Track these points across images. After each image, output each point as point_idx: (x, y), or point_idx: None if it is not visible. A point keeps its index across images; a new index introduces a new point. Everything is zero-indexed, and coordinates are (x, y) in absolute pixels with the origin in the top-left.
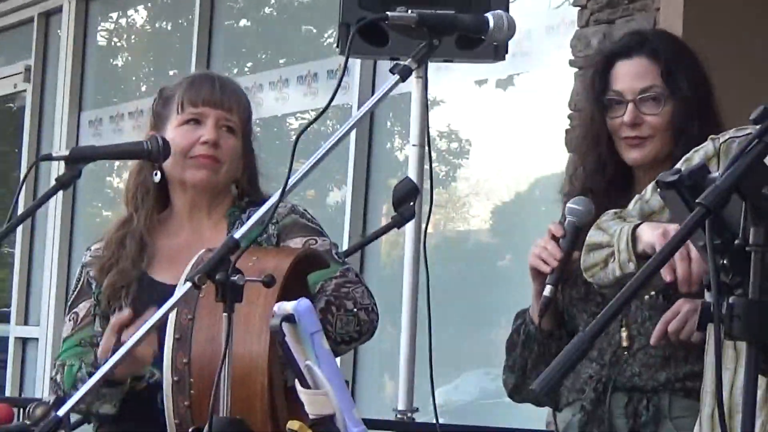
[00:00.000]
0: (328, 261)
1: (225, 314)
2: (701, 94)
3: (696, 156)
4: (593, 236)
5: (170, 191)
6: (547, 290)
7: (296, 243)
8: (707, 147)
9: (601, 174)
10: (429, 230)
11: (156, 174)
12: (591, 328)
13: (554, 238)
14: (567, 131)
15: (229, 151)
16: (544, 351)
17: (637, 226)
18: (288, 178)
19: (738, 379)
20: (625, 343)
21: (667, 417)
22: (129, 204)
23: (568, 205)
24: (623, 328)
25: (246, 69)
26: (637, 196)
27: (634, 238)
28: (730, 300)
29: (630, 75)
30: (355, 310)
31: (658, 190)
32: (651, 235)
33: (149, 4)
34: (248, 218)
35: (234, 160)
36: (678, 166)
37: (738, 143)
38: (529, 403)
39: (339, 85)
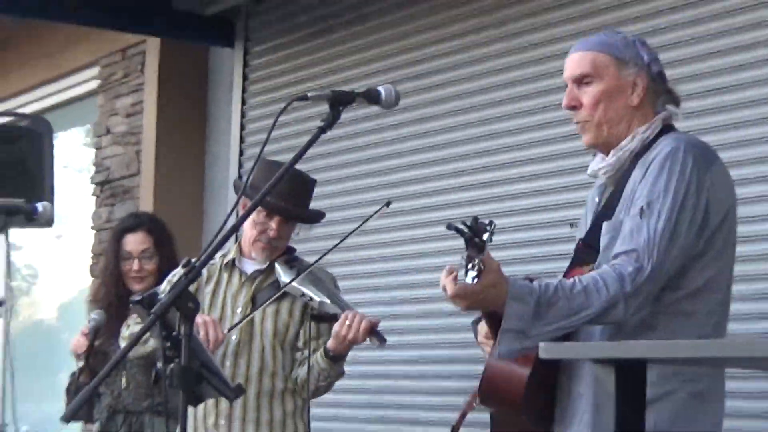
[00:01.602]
0: None
1: None
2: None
3: (173, 279)
4: (135, 328)
5: None
6: (80, 364)
7: None
8: (180, 273)
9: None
10: (19, 318)
11: None
12: (94, 382)
13: (84, 335)
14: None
15: None
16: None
17: None
18: None
19: None
20: (123, 385)
21: (148, 427)
22: None
23: (91, 315)
24: (124, 378)
25: None
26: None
27: None
28: (172, 366)
29: (135, 242)
30: None
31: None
32: None
33: None
34: None
35: None
36: (160, 287)
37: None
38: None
39: None
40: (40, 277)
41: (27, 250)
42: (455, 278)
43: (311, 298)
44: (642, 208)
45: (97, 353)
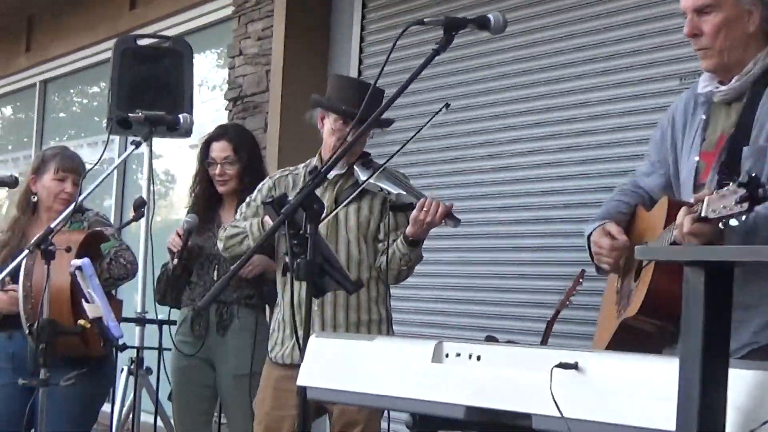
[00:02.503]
0: (110, 238)
1: (46, 265)
2: (255, 156)
3: (263, 187)
4: (231, 231)
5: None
6: (175, 261)
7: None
8: (268, 182)
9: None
10: (157, 219)
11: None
12: (228, 275)
13: (179, 235)
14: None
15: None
16: (175, 283)
17: (262, 219)
18: (77, 197)
19: None
20: (215, 277)
21: (236, 316)
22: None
23: (185, 218)
24: (216, 272)
25: (63, 139)
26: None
27: (263, 224)
28: (298, 261)
29: (218, 149)
30: (125, 263)
31: (263, 205)
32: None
33: None
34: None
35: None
36: (250, 196)
37: (284, 177)
38: (165, 305)
39: (105, 148)
40: (176, 183)
41: (166, 158)
42: (695, 217)
43: (389, 192)
44: None
45: (191, 250)
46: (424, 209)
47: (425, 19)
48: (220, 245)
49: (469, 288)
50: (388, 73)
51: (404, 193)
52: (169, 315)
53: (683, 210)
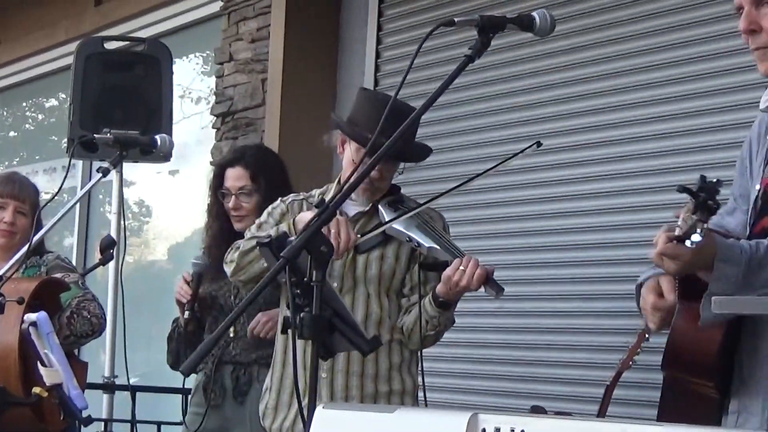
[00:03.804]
0: (71, 286)
1: None
2: (279, 184)
3: (274, 211)
4: (247, 245)
5: None
6: (186, 314)
7: (57, 276)
8: (281, 206)
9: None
10: (129, 261)
11: None
12: (220, 329)
13: (186, 282)
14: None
15: (22, 226)
16: (191, 341)
17: (294, 219)
18: (33, 235)
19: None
20: (231, 335)
21: (256, 380)
22: None
23: (192, 261)
24: (231, 327)
25: (14, 163)
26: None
27: (295, 224)
28: (302, 315)
29: (233, 178)
30: (89, 316)
31: (258, 248)
32: (308, 215)
33: None
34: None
35: (26, 230)
36: (260, 219)
37: (298, 203)
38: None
39: (66, 175)
40: (152, 217)
41: (140, 186)
42: (670, 238)
43: (419, 244)
44: None
45: (202, 300)
46: (460, 268)
47: (456, 19)
48: (228, 269)
49: (510, 345)
50: (409, 83)
51: (438, 247)
52: (183, 383)
53: (662, 228)
